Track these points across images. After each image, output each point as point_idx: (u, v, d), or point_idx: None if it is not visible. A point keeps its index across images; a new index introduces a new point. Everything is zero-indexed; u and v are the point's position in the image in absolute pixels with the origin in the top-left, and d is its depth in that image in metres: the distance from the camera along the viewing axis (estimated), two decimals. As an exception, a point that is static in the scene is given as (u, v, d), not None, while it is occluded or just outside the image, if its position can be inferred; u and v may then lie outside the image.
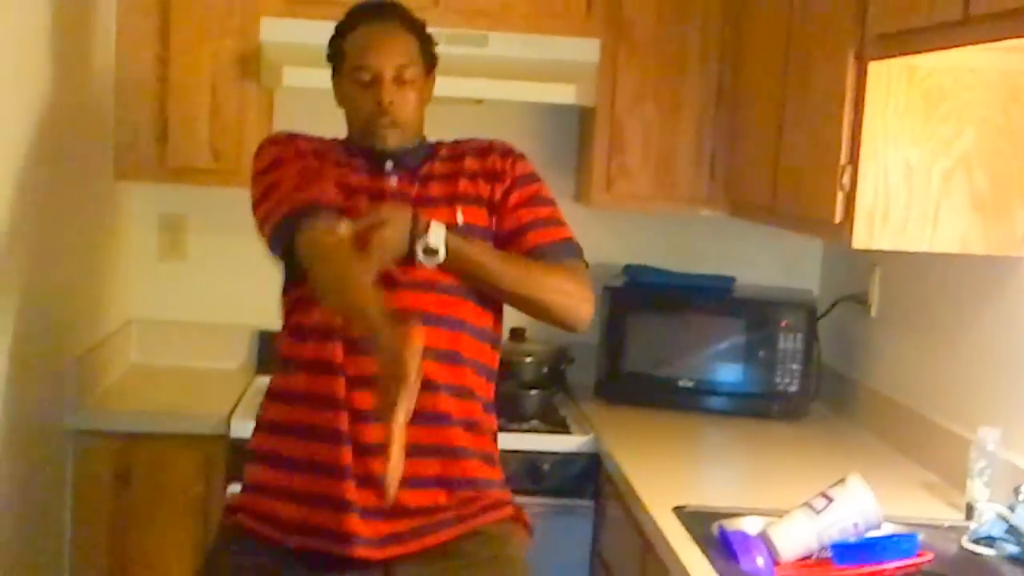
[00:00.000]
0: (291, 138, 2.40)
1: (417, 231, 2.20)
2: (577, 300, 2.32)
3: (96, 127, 3.30)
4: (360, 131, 2.37)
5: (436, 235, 2.20)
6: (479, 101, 3.61)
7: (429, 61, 2.42)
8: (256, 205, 2.32)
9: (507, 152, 2.43)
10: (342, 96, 2.40)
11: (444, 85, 3.23)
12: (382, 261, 2.16)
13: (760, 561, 2.16)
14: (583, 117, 3.73)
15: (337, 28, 2.40)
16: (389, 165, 2.36)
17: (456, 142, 2.47)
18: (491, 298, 2.33)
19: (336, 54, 2.39)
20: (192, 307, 3.75)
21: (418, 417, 1.99)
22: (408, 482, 2.03)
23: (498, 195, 2.38)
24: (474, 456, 2.32)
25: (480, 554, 2.28)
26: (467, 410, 2.31)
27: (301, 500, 2.24)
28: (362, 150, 2.37)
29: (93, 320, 3.35)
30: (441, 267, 2.22)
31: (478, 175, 2.38)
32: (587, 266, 2.41)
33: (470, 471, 2.31)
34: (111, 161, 3.38)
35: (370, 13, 2.38)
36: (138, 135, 3.38)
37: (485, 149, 2.44)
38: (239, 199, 3.59)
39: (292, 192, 2.25)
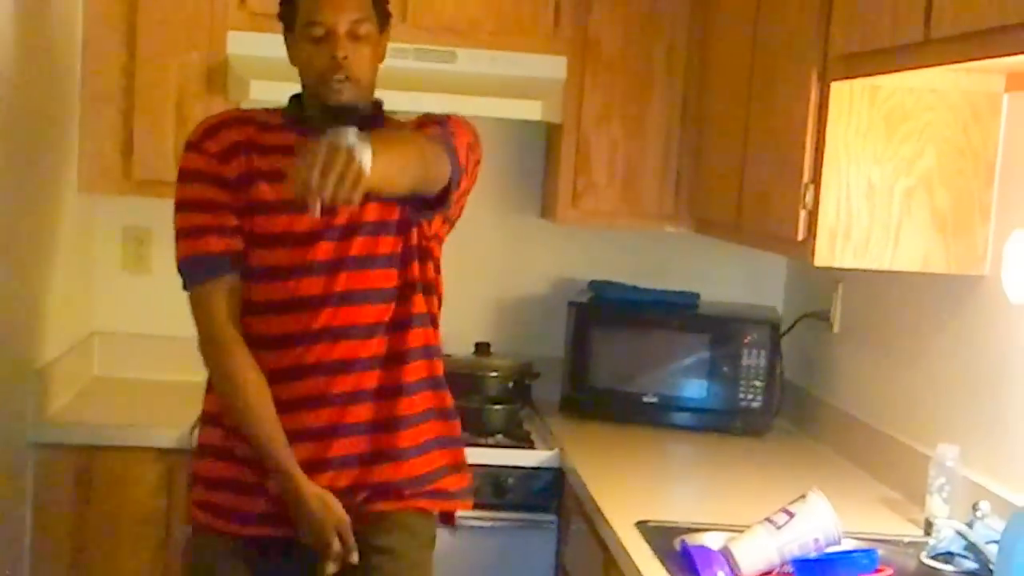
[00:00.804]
0: (210, 133, 2.38)
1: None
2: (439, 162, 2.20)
3: (61, 137, 3.28)
4: (314, 87, 2.34)
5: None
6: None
7: (383, 18, 2.40)
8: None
9: (437, 120, 2.42)
10: (295, 55, 2.37)
11: (412, 100, 3.25)
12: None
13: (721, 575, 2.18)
14: (550, 133, 3.75)
15: None
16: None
17: (414, 118, 2.47)
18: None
19: (288, 11, 2.37)
20: (156, 320, 3.72)
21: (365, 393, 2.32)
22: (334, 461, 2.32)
23: None
24: (412, 424, 2.40)
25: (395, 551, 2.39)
26: (428, 371, 2.42)
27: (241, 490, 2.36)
28: (300, 130, 2.34)
29: (56, 332, 3.33)
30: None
31: None
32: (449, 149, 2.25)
33: (402, 441, 2.39)
34: (75, 172, 3.37)
35: None
36: (103, 147, 3.36)
37: (423, 122, 2.44)
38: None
39: (188, 236, 2.35)
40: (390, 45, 3.41)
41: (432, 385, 2.42)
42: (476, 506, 3.16)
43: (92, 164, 3.37)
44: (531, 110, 3.39)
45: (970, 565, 2.28)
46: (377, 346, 2.35)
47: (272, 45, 3.27)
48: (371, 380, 2.35)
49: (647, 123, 3.51)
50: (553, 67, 3.46)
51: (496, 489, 3.19)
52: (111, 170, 3.36)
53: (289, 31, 2.38)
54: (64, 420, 3.21)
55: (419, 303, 2.38)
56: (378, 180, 1.92)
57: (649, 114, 3.51)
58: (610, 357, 3.57)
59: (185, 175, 2.37)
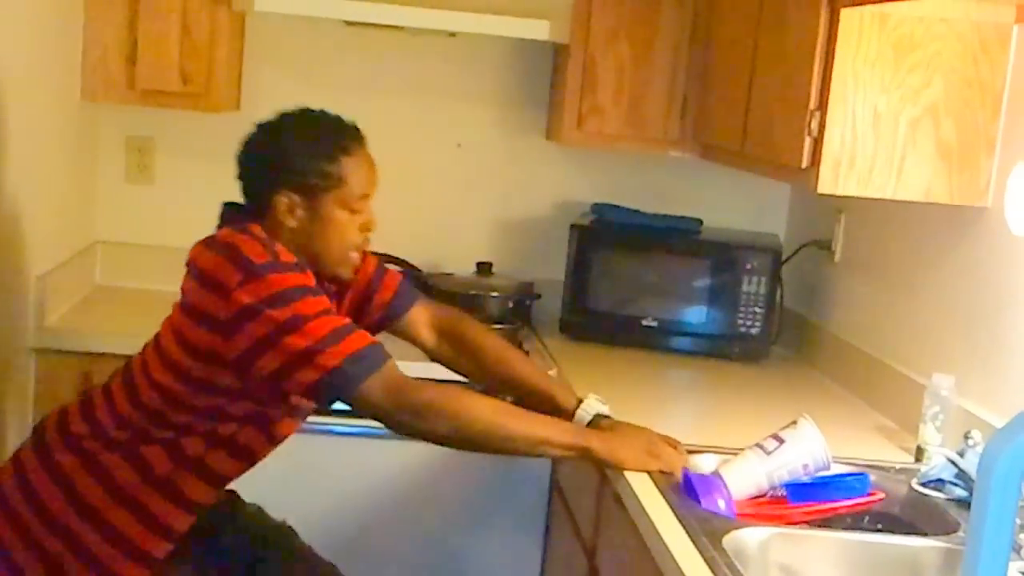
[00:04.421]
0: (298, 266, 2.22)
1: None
2: None
3: (65, 46, 3.27)
4: (335, 259, 2.29)
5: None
6: (452, 34, 3.59)
7: None
8: (275, 338, 2.11)
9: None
10: (323, 218, 2.26)
11: (418, 17, 3.23)
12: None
13: (721, 503, 2.18)
14: (557, 54, 3.72)
15: (328, 148, 2.26)
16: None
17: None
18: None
19: (330, 177, 2.24)
20: (159, 231, 3.74)
21: None
22: None
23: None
24: None
25: None
26: None
27: None
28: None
29: (58, 240, 3.34)
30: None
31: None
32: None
33: None
34: (79, 81, 3.35)
35: (359, 135, 2.31)
36: (107, 56, 3.34)
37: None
38: (208, 123, 3.60)
39: (343, 336, 2.13)
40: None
41: None
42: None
43: (96, 73, 3.36)
44: (538, 29, 3.36)
45: (960, 492, 2.30)
46: None
47: (279, -44, 3.28)
48: None
49: (655, 46, 3.49)
50: (562, -15, 3.43)
51: (493, 407, 3.21)
52: (115, 79, 3.35)
53: (314, 195, 2.25)
54: (65, 327, 3.23)
55: None
56: None
57: (657, 37, 3.48)
58: (611, 280, 3.58)
59: (299, 290, 2.15)
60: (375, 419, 2.18)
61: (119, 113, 3.62)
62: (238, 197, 2.36)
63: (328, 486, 3.15)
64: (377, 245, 3.68)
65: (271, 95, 3.61)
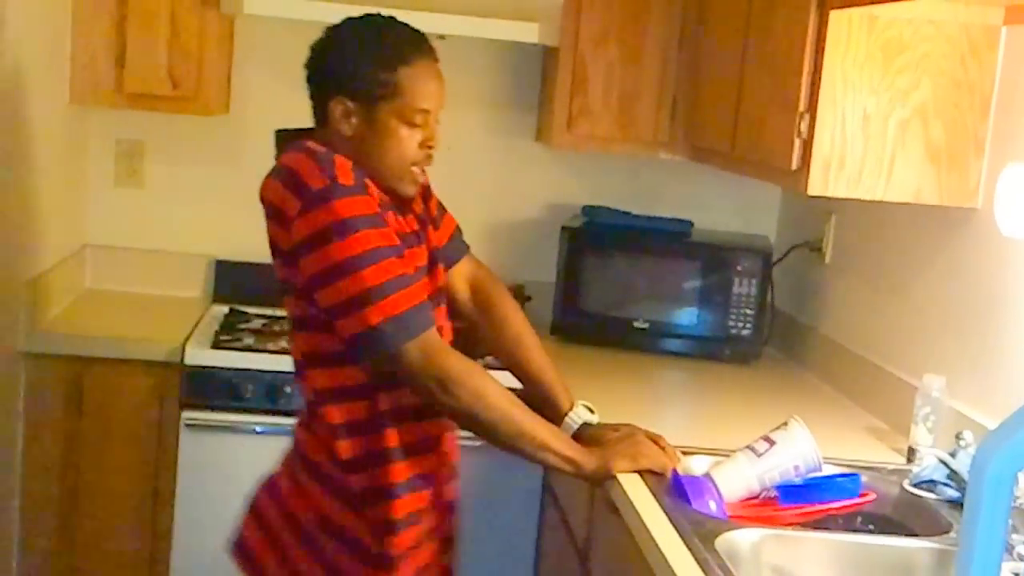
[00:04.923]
0: (361, 177, 2.12)
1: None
2: None
3: (53, 50, 3.26)
4: (390, 174, 2.19)
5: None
6: (441, 37, 3.58)
7: None
8: (334, 275, 2.06)
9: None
10: (379, 129, 2.17)
11: (406, 19, 3.21)
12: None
13: (712, 505, 2.18)
14: (546, 56, 3.72)
15: (386, 55, 2.17)
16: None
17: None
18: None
19: (386, 86, 2.15)
20: (149, 234, 3.74)
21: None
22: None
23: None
24: None
25: None
26: None
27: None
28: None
29: (48, 244, 3.33)
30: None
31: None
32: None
33: None
34: (68, 85, 3.35)
35: (425, 47, 2.22)
36: (96, 59, 3.34)
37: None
38: (197, 127, 3.60)
39: (396, 289, 2.07)
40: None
41: None
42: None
43: (85, 77, 3.35)
44: (528, 32, 3.37)
45: (952, 493, 2.31)
46: None
47: (268, -41, 3.27)
48: None
49: (645, 48, 3.49)
50: (551, -12, 3.43)
51: (485, 410, 3.21)
52: (104, 83, 3.34)
53: (371, 101, 2.16)
54: (56, 331, 3.23)
55: None
56: None
57: (647, 39, 3.49)
58: (602, 282, 3.58)
59: (360, 220, 2.06)
60: (401, 378, 2.13)
61: (108, 117, 3.62)
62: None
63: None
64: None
65: (261, 98, 3.61)
